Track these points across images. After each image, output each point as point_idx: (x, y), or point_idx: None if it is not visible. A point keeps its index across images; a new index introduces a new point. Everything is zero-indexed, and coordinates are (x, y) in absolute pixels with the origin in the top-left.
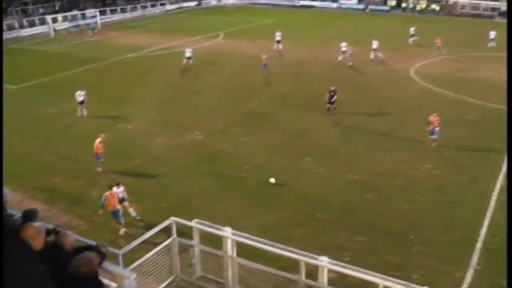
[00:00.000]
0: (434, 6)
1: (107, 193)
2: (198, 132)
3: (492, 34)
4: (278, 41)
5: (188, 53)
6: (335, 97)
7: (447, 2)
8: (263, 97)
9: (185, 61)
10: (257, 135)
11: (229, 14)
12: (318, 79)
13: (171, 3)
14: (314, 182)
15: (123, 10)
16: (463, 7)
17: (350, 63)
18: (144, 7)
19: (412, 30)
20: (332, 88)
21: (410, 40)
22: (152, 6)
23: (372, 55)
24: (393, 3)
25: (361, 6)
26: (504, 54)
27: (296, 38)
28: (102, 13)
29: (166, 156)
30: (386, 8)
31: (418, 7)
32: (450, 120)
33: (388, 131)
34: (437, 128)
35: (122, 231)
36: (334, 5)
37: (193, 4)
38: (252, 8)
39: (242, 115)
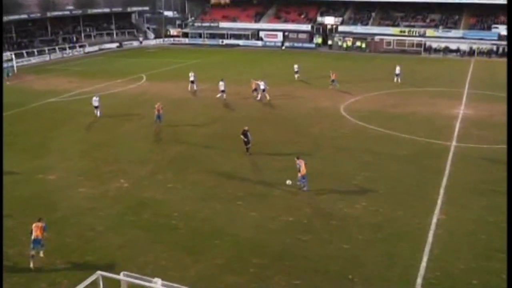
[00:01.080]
0: (359, 43)
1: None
2: (123, 179)
3: (397, 69)
4: (192, 82)
5: (95, 102)
6: (249, 137)
7: (372, 39)
8: (189, 140)
9: (95, 111)
10: (186, 180)
11: (151, 56)
12: (244, 118)
13: (90, 45)
14: (247, 227)
15: (40, 53)
16: (388, 43)
17: (258, 98)
18: (63, 49)
19: (296, 67)
20: (245, 128)
21: (296, 76)
22: (71, 48)
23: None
24: (319, 40)
25: (291, 44)
26: (415, 89)
27: (218, 77)
28: (18, 56)
29: (90, 207)
30: (312, 45)
31: (344, 45)
32: (385, 156)
33: (321, 170)
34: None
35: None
36: (259, 43)
37: (114, 46)
38: (175, 49)
39: (169, 160)
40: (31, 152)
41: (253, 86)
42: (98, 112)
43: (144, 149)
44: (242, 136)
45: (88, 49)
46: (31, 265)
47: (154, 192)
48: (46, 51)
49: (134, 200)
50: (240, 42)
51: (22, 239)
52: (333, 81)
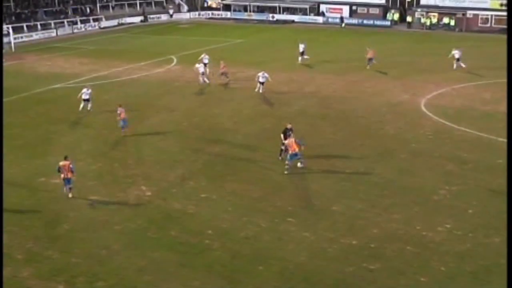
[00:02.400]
0: (447, 20)
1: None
2: (145, 186)
3: (457, 53)
4: (205, 64)
5: (85, 94)
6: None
7: (464, 14)
8: (230, 140)
9: (82, 105)
10: (223, 189)
11: (184, 33)
12: (298, 114)
13: (107, 19)
14: (299, 250)
15: (45, 27)
16: (485, 20)
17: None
18: (73, 23)
19: (301, 47)
20: (288, 125)
21: (299, 59)
22: (83, 22)
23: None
24: (395, 16)
25: (359, 21)
26: None
27: (269, 63)
28: (17, 30)
29: (103, 220)
30: (386, 23)
31: (427, 22)
32: (475, 165)
33: (394, 181)
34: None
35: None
36: (320, 19)
37: (137, 20)
38: (214, 25)
39: (203, 164)
40: (31, 150)
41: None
42: (89, 106)
43: (172, 150)
44: (282, 136)
45: (104, 23)
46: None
47: (184, 203)
48: (52, 25)
49: (159, 213)
50: (296, 17)
51: (18, 258)
52: (370, 59)
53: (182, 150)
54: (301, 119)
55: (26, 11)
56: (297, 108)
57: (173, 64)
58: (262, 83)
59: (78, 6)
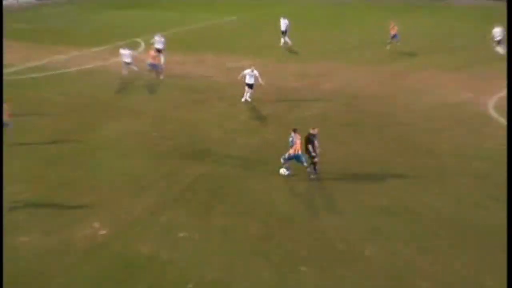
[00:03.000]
0: None
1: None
2: (99, 222)
3: (498, 32)
4: (159, 50)
5: (126, 57)
6: (316, 145)
7: None
8: (219, 157)
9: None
10: (210, 225)
11: (157, 6)
12: (320, 120)
13: None
14: None
15: None
16: None
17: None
18: None
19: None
20: (312, 130)
21: (282, 41)
22: None
23: None
24: None
25: None
26: None
27: (271, 49)
28: None
29: (37, 271)
30: None
31: None
32: None
33: (450, 215)
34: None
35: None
36: None
37: None
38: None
39: (181, 190)
40: None
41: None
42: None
43: (138, 170)
44: (309, 147)
45: None
46: None
47: (154, 246)
48: None
49: (118, 260)
50: None
51: None
52: (393, 36)
53: (151, 170)
54: (318, 126)
55: None
56: (313, 111)
57: (140, 50)
58: (250, 86)
59: None
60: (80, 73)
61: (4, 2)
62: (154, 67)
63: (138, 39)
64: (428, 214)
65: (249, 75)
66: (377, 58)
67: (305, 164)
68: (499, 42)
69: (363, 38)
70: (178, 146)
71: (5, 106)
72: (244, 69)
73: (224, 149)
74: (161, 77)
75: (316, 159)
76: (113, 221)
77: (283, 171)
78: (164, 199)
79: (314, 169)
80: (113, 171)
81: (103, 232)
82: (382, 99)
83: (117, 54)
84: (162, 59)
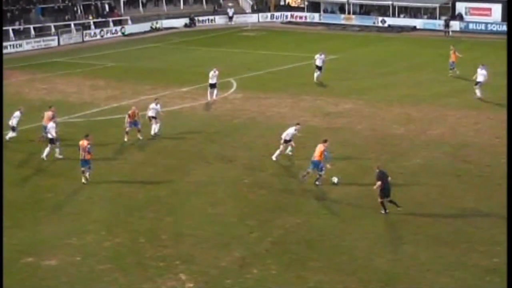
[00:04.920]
0: None
1: None
2: (186, 275)
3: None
4: (213, 85)
5: (152, 111)
6: (389, 183)
7: None
8: (315, 206)
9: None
10: (305, 281)
11: (248, 44)
12: (425, 170)
13: (135, 21)
14: None
15: (41, 33)
16: None
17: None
18: (84, 27)
19: (318, 58)
20: (379, 168)
21: (315, 75)
22: (99, 26)
23: None
24: None
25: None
26: None
27: (375, 90)
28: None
29: None
30: None
31: None
32: None
33: None
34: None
35: None
36: (456, 24)
37: (180, 23)
38: (293, 33)
39: (273, 242)
40: (14, 213)
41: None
42: (156, 127)
43: (227, 220)
44: (378, 183)
45: (130, 28)
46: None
47: None
48: (53, 30)
49: None
50: (418, 22)
51: None
52: (451, 65)
53: (241, 220)
54: (423, 177)
55: (13, 7)
56: (417, 161)
57: (231, 90)
58: (288, 142)
59: (92, 2)
60: (167, 114)
61: (90, 38)
62: (135, 124)
63: (230, 79)
64: None
65: (288, 134)
66: (491, 103)
67: (321, 172)
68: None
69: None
70: (270, 194)
71: (83, 143)
72: (344, 113)
73: (319, 199)
74: (125, 139)
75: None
76: (200, 273)
77: (334, 179)
78: (254, 251)
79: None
80: (200, 220)
81: (190, 285)
82: (495, 147)
83: (206, 94)
84: (214, 93)
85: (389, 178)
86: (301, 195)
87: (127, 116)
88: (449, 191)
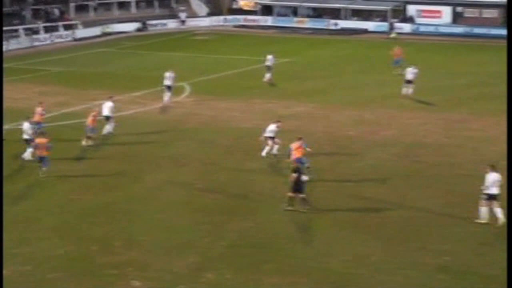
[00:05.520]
0: None
1: None
2: (139, 281)
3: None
4: (169, 87)
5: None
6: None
7: None
8: (270, 209)
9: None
10: (260, 284)
11: (201, 48)
12: (376, 170)
13: (86, 25)
14: None
15: None
16: None
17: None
18: (33, 31)
19: (269, 59)
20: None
21: (266, 76)
22: (49, 30)
23: None
24: None
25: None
26: None
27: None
28: None
29: None
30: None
31: None
32: None
33: None
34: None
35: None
36: (407, 27)
37: (131, 28)
38: (246, 36)
39: (228, 246)
40: None
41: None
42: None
43: (180, 225)
44: (293, 175)
45: (81, 32)
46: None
47: None
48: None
49: None
50: (370, 25)
51: None
52: (396, 61)
53: (195, 225)
54: (375, 177)
55: None
56: (369, 161)
57: (184, 95)
58: (271, 138)
59: (42, 7)
60: (118, 119)
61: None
62: (92, 131)
63: (183, 83)
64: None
65: (269, 131)
66: (440, 104)
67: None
68: (408, 82)
69: (426, 82)
70: (225, 198)
71: (42, 140)
72: (296, 116)
73: (271, 202)
74: (84, 142)
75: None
76: (154, 279)
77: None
78: (208, 256)
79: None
80: (152, 226)
81: None
82: (444, 148)
83: (159, 100)
84: (168, 96)
85: (304, 177)
86: (254, 199)
87: (91, 118)
88: (400, 191)
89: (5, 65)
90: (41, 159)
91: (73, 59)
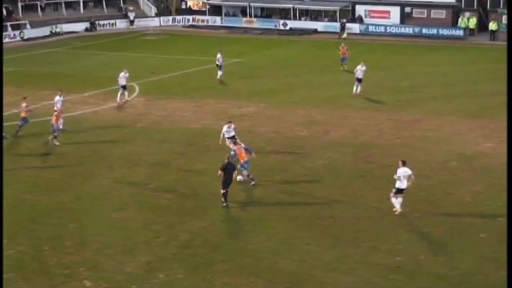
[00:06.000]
0: None
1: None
2: (90, 281)
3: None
4: (124, 87)
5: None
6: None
7: None
8: (220, 210)
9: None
10: (211, 284)
11: (150, 48)
12: (328, 171)
13: (34, 25)
14: None
15: None
16: None
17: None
18: None
19: (219, 57)
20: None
21: (219, 74)
22: None
23: None
24: (471, 23)
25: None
26: None
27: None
28: None
29: None
30: (458, 32)
31: None
32: None
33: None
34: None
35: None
36: (356, 27)
37: (80, 27)
38: (195, 36)
39: (179, 246)
40: None
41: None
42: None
43: (132, 225)
44: (220, 172)
45: (30, 32)
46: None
47: None
48: None
49: None
50: (319, 25)
51: None
52: (343, 59)
53: (146, 225)
54: (327, 178)
55: None
56: (321, 162)
57: (134, 95)
58: (233, 140)
59: None
60: (68, 119)
61: None
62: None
63: (132, 83)
64: (456, 277)
65: (226, 131)
66: (391, 105)
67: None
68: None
69: (376, 83)
70: (176, 198)
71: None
72: (247, 116)
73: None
74: (56, 142)
75: (226, 190)
76: (106, 279)
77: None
78: (160, 256)
79: (225, 197)
80: (104, 226)
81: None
82: (395, 148)
83: (109, 100)
84: (126, 95)
85: (234, 173)
86: (206, 199)
87: (54, 118)
88: (352, 191)
89: None
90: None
91: (22, 59)
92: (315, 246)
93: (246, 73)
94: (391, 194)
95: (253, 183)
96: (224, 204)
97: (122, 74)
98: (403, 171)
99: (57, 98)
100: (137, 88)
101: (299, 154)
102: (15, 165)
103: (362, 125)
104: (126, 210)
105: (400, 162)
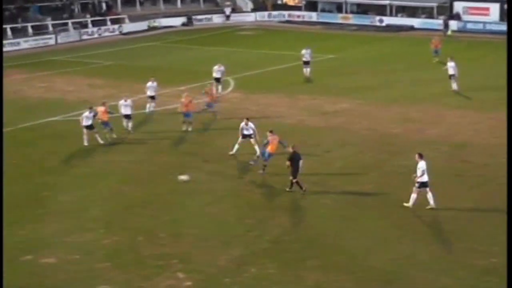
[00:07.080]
0: None
1: None
2: (183, 273)
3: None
4: (217, 79)
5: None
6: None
7: None
8: (311, 207)
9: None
10: (303, 280)
11: (246, 43)
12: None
13: (132, 20)
14: None
15: (39, 31)
16: None
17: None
18: (81, 25)
19: (306, 54)
20: (292, 148)
21: (304, 71)
22: (97, 24)
23: None
24: None
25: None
26: None
27: (373, 91)
28: None
29: None
30: None
31: None
32: None
33: None
34: None
35: None
36: (454, 24)
37: (177, 22)
38: (291, 32)
39: (271, 241)
40: (15, 214)
41: None
42: (129, 125)
43: (226, 219)
44: (288, 163)
45: (128, 27)
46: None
47: None
48: (50, 29)
49: None
50: (416, 22)
51: None
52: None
53: (239, 219)
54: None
55: (11, 6)
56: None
57: (229, 89)
58: (248, 136)
59: (90, 1)
60: (165, 112)
61: (88, 37)
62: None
63: (228, 78)
64: None
65: (245, 129)
66: (490, 103)
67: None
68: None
69: (476, 81)
70: (269, 194)
71: (101, 108)
72: (341, 112)
73: (317, 198)
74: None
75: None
76: (198, 272)
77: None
78: (252, 250)
79: (292, 185)
80: (198, 219)
81: (187, 283)
82: (493, 148)
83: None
84: (219, 89)
85: (301, 162)
86: (303, 195)
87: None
88: (448, 190)
89: (55, 57)
90: (105, 125)
91: (121, 52)
92: (408, 245)
93: (340, 69)
94: (414, 189)
95: (252, 163)
96: (302, 191)
97: (216, 67)
98: (424, 164)
99: (149, 83)
100: (232, 83)
101: (393, 151)
102: (112, 158)
103: (459, 123)
104: (220, 204)
105: (417, 155)
